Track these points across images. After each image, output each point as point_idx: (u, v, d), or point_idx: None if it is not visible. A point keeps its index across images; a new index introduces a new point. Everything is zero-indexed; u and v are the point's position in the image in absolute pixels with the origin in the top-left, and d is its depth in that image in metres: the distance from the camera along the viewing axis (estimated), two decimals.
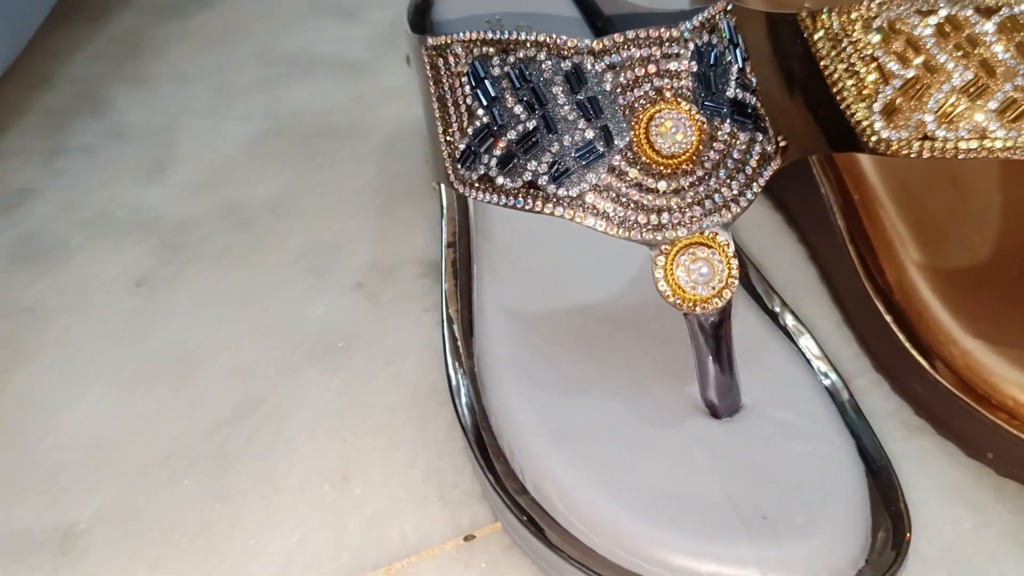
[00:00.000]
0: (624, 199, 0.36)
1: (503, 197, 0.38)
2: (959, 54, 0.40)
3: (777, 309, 0.44)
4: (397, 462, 0.41)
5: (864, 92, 0.42)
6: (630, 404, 0.38)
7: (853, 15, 0.42)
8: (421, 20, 0.54)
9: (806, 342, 0.43)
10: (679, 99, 0.36)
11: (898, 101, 0.41)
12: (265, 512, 0.39)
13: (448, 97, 0.40)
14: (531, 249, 0.44)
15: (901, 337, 0.43)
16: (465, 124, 0.39)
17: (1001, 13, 0.39)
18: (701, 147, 0.36)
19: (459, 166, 0.39)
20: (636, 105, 0.36)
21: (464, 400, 0.40)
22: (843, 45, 0.43)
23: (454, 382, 0.41)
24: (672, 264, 0.36)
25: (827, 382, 0.41)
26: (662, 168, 0.36)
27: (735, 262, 0.36)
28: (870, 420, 0.43)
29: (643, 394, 0.38)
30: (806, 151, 0.48)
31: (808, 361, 0.42)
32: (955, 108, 0.40)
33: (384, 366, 0.45)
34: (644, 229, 0.36)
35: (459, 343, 0.42)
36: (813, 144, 0.46)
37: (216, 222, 0.54)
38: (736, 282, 0.36)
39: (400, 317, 0.48)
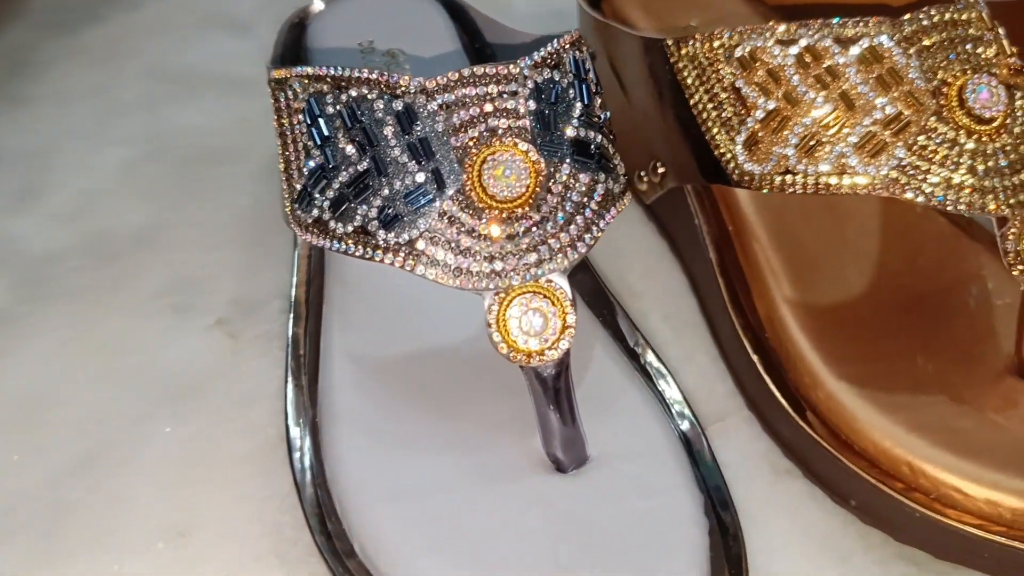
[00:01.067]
0: (456, 246, 0.35)
1: (335, 242, 0.36)
2: (819, 86, 0.39)
3: (639, 349, 0.43)
4: (239, 516, 0.40)
5: (727, 123, 0.41)
6: (471, 459, 0.37)
7: (716, 43, 0.41)
8: (295, 47, 0.53)
9: (666, 384, 0.42)
10: (515, 140, 0.35)
11: (760, 133, 0.40)
12: (92, 574, 0.38)
13: (288, 134, 0.39)
14: (385, 293, 0.43)
15: (767, 379, 0.42)
16: (302, 164, 0.38)
17: (861, 44, 0.38)
18: (537, 190, 0.35)
19: (296, 207, 0.38)
20: (470, 146, 0.35)
21: (303, 454, 0.39)
22: (707, 74, 0.42)
23: (293, 434, 0.39)
24: (505, 314, 0.35)
25: (685, 425, 0.40)
26: (496, 213, 0.35)
27: (571, 312, 0.35)
28: (740, 461, 0.42)
29: (486, 448, 0.37)
30: (682, 180, 0.47)
31: (668, 406, 0.41)
32: (815, 141, 0.39)
33: (238, 412, 0.44)
34: (477, 277, 0.35)
35: (304, 391, 0.41)
36: (688, 173, 0.45)
37: (81, 256, 0.53)
38: (572, 331, 0.35)
39: (260, 359, 0.46)
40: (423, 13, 0.54)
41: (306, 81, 0.38)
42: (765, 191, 0.40)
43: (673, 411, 0.40)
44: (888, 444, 0.38)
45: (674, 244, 0.52)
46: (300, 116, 0.38)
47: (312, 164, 0.37)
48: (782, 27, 0.40)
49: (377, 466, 0.37)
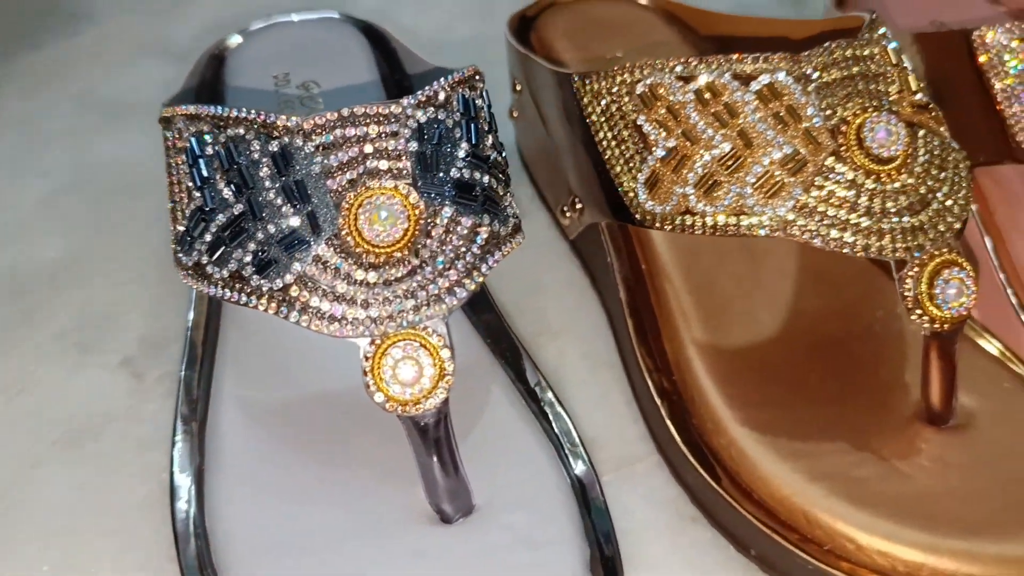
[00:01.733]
0: (331, 292, 0.34)
1: (212, 287, 0.36)
2: (718, 123, 0.38)
3: (539, 391, 0.42)
4: (125, 565, 0.39)
5: (630, 161, 0.41)
6: (353, 511, 0.36)
7: (619, 79, 0.41)
8: (214, 81, 0.52)
9: (565, 428, 0.41)
10: (395, 182, 0.34)
11: (660, 172, 0.39)
12: None
13: (173, 175, 0.38)
14: (279, 338, 0.42)
15: (670, 424, 0.41)
16: (184, 205, 0.37)
17: (760, 81, 0.38)
18: (416, 234, 0.34)
19: (177, 249, 0.37)
20: (347, 189, 0.34)
21: (188, 502, 0.38)
22: (611, 110, 0.41)
23: (178, 481, 0.39)
24: (380, 362, 0.34)
25: (580, 470, 0.39)
26: (373, 258, 0.34)
27: (449, 361, 0.34)
28: (647, 508, 0.41)
29: (369, 499, 0.36)
30: (595, 216, 0.46)
31: (564, 450, 0.40)
32: (713, 181, 0.38)
33: (134, 456, 0.43)
34: (351, 325, 0.34)
35: (193, 437, 0.40)
36: (600, 210, 0.44)
37: None
38: (450, 379, 0.34)
39: (163, 400, 0.46)
40: (343, 43, 0.54)
41: (188, 120, 0.37)
42: (670, 229, 0.40)
43: (569, 456, 0.40)
44: (786, 493, 0.37)
45: (594, 281, 0.51)
46: (183, 156, 0.37)
47: (192, 206, 0.36)
48: (682, 63, 0.39)
49: (258, 517, 0.36)
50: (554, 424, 0.41)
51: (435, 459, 0.35)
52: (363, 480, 0.37)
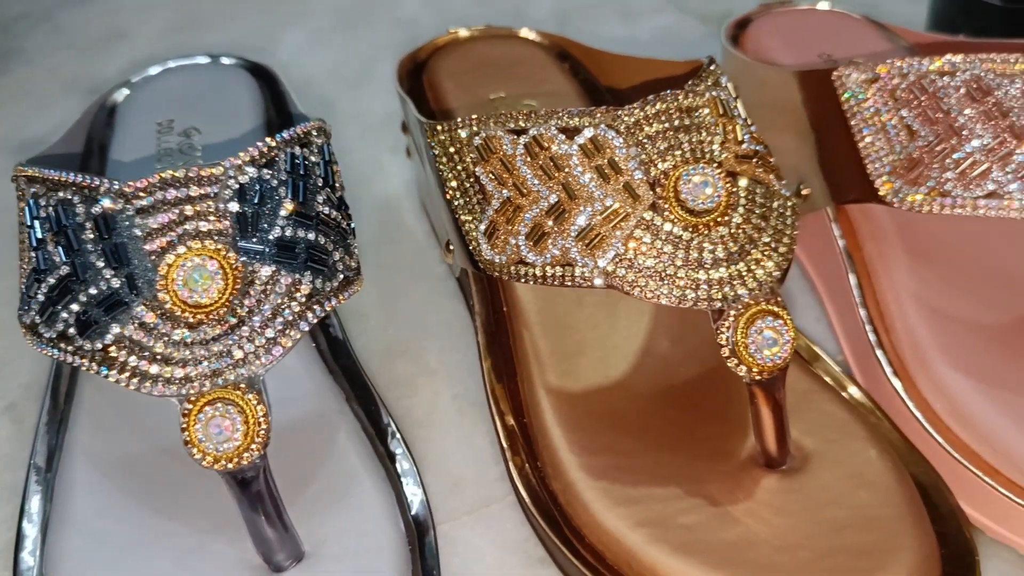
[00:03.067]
0: (148, 352, 0.36)
1: (44, 345, 0.37)
2: (545, 176, 0.39)
3: (389, 435, 0.43)
4: None
5: (472, 210, 0.42)
6: (184, 564, 0.38)
7: (462, 131, 0.42)
8: (104, 129, 0.54)
9: (409, 473, 0.42)
10: (214, 243, 0.36)
11: (497, 222, 0.41)
12: None
13: (20, 234, 0.40)
14: (127, 391, 0.44)
15: (512, 468, 0.42)
16: (25, 265, 0.39)
17: (584, 134, 0.39)
18: (234, 293, 0.36)
19: (19, 308, 0.39)
20: (166, 251, 0.36)
21: (33, 553, 0.40)
22: (455, 161, 0.43)
23: (26, 531, 0.40)
24: (194, 419, 0.35)
25: (419, 511, 0.41)
26: (191, 318, 0.36)
27: (263, 418, 0.35)
28: (496, 549, 0.43)
29: (203, 550, 0.38)
30: (460, 260, 0.47)
31: (405, 496, 0.41)
32: (542, 232, 0.39)
33: (4, 502, 0.45)
34: (166, 383, 0.35)
35: (47, 488, 0.42)
36: (460, 255, 0.45)
37: None
38: (265, 434, 0.35)
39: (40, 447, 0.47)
40: (231, 88, 0.55)
41: (27, 181, 0.39)
42: (507, 278, 0.41)
43: (410, 501, 0.41)
44: (613, 539, 0.38)
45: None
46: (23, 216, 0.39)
47: (28, 268, 0.38)
48: (514, 117, 0.40)
49: (93, 570, 0.38)
50: (399, 469, 0.42)
51: (259, 512, 0.36)
52: (198, 534, 0.39)
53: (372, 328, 0.53)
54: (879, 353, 0.46)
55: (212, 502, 0.39)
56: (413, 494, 0.41)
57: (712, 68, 0.42)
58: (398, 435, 0.43)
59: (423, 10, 0.80)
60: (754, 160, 0.40)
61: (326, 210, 0.39)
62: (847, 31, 0.60)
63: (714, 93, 0.40)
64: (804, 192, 0.51)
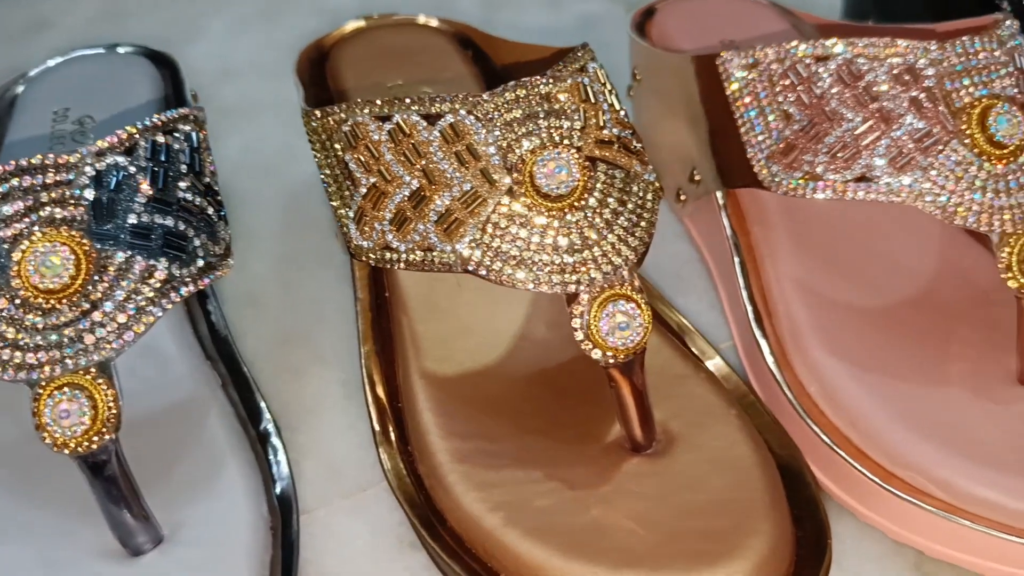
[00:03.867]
0: (1, 337, 0.36)
1: None
2: (408, 162, 0.40)
3: (263, 421, 0.44)
4: None
5: (344, 197, 0.42)
6: (44, 553, 0.38)
7: (332, 118, 0.42)
8: (2, 119, 0.54)
9: (277, 457, 0.43)
10: (68, 229, 0.36)
11: (364, 208, 0.41)
12: None
13: None
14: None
15: (382, 452, 0.43)
16: None
17: (445, 120, 0.39)
18: (87, 278, 0.36)
19: None
20: (20, 238, 0.36)
21: None
22: (327, 148, 0.43)
23: None
24: (44, 404, 0.36)
25: (284, 494, 0.41)
26: (43, 304, 0.36)
27: (113, 403, 0.36)
28: (369, 534, 0.43)
29: (62, 539, 0.38)
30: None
31: (273, 482, 0.42)
32: (404, 217, 0.40)
33: None
34: (19, 369, 0.36)
35: None
36: (340, 242, 0.46)
37: None
38: (114, 422, 0.36)
39: None
40: (130, 77, 0.56)
41: None
42: (377, 264, 0.41)
43: (278, 486, 0.41)
44: (472, 522, 0.39)
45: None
46: None
47: None
48: (379, 103, 0.41)
49: None
50: (270, 454, 0.43)
51: (112, 496, 0.37)
52: (61, 519, 0.39)
53: (269, 315, 0.54)
54: (760, 337, 0.47)
55: (76, 488, 0.40)
56: (281, 479, 0.42)
57: (580, 53, 0.42)
58: (271, 421, 0.44)
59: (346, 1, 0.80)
60: (615, 145, 0.40)
61: (189, 196, 0.40)
62: (752, 17, 0.60)
63: (577, 79, 0.41)
64: (696, 178, 0.52)
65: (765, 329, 0.47)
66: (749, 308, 0.48)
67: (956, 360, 0.44)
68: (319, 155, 0.44)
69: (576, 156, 0.39)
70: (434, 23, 0.59)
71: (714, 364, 0.46)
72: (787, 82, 0.44)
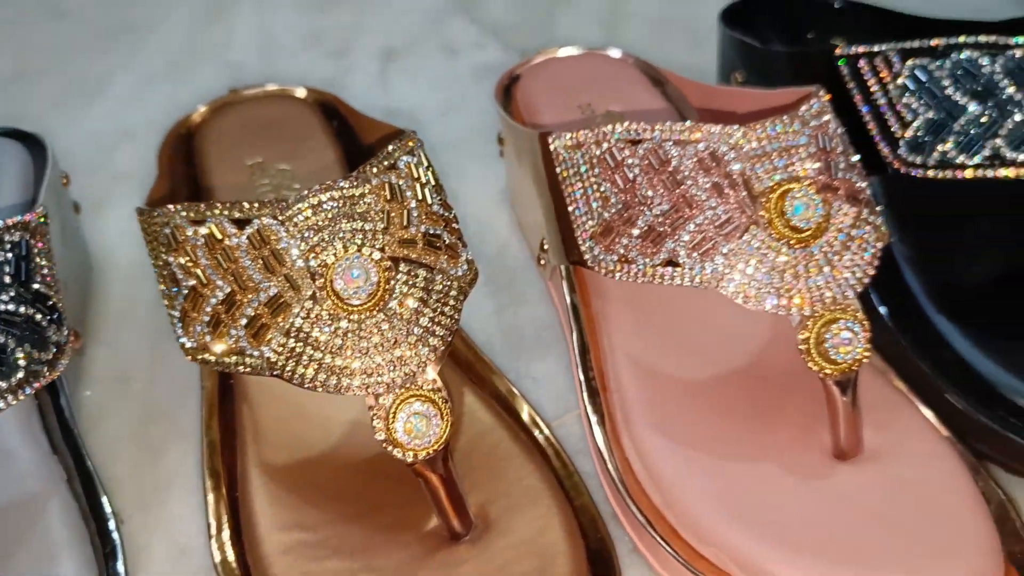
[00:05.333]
0: None
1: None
2: (220, 267, 0.41)
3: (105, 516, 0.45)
4: None
5: (170, 297, 0.44)
6: None
7: (154, 218, 0.44)
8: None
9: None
10: None
11: (187, 310, 0.43)
12: None
13: None
14: None
15: (213, 543, 0.44)
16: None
17: (253, 226, 0.41)
18: None
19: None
20: None
21: None
22: (155, 247, 0.44)
23: None
24: None
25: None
26: None
27: None
28: None
29: None
30: None
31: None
32: (218, 321, 0.41)
33: None
34: None
35: None
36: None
37: None
38: None
39: None
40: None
41: None
42: (204, 365, 0.43)
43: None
44: None
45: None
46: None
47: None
48: (195, 208, 0.42)
49: None
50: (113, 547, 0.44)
51: None
52: None
53: (137, 392, 0.55)
54: (592, 412, 0.48)
55: None
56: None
57: (393, 148, 0.43)
58: (113, 516, 0.45)
59: (252, 55, 0.81)
60: (419, 244, 0.41)
61: (12, 307, 0.41)
62: (615, 79, 0.61)
63: (384, 178, 0.42)
64: (545, 247, 0.53)
65: (601, 403, 0.48)
66: (584, 382, 0.49)
67: (778, 434, 0.45)
68: (150, 254, 0.45)
69: (376, 259, 0.40)
70: (301, 94, 0.60)
71: (544, 437, 0.47)
72: (604, 165, 0.45)
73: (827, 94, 0.46)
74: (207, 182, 0.56)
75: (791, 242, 0.42)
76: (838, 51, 0.53)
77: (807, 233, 0.42)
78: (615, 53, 0.63)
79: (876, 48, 0.52)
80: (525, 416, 0.48)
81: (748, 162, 0.43)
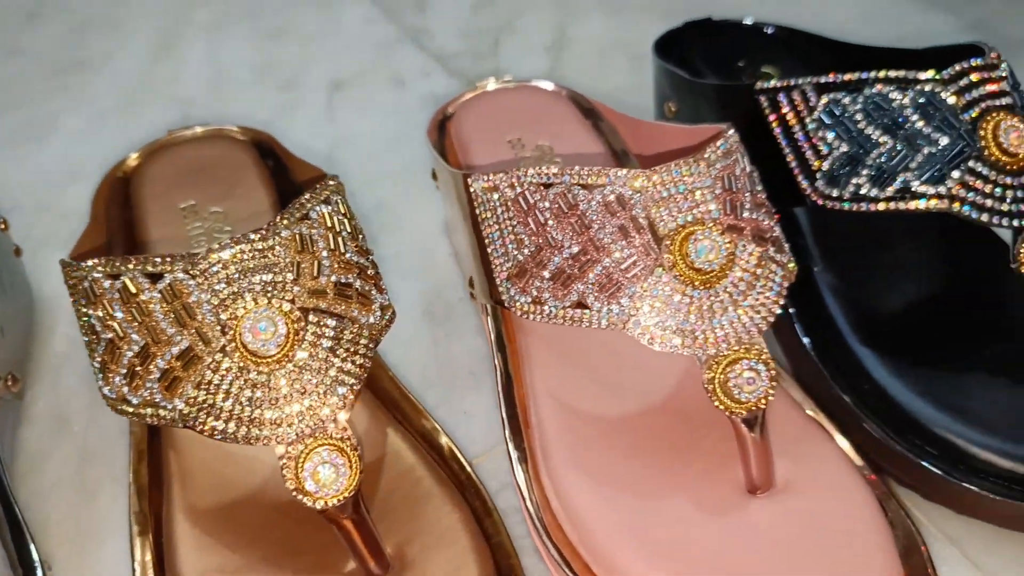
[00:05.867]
0: None
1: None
2: (135, 321, 0.42)
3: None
4: None
5: (91, 348, 0.45)
6: None
7: (74, 273, 0.45)
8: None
9: None
10: None
11: (106, 361, 0.43)
12: None
13: None
14: None
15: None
16: None
17: (165, 279, 0.42)
18: None
19: None
20: None
21: None
22: (76, 298, 0.45)
23: None
24: None
25: None
26: None
27: None
28: None
29: None
30: None
31: None
32: (132, 374, 0.42)
33: None
34: None
35: None
36: None
37: None
38: None
39: None
40: None
41: None
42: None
43: None
44: None
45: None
46: None
47: None
48: (111, 262, 0.43)
49: None
50: None
51: None
52: None
53: (76, 433, 0.56)
54: (513, 450, 0.49)
55: None
56: None
57: (306, 200, 0.44)
58: (38, 565, 0.46)
59: (203, 89, 0.82)
60: (329, 294, 0.42)
61: None
62: (548, 113, 0.62)
63: (295, 229, 0.43)
64: (473, 283, 0.54)
65: (523, 440, 0.49)
66: (507, 420, 0.50)
67: (692, 469, 0.46)
68: (73, 305, 0.46)
69: (285, 311, 0.41)
70: (236, 133, 0.61)
71: (466, 475, 0.48)
72: (518, 208, 0.46)
73: (735, 133, 0.47)
74: (141, 226, 0.57)
75: (695, 283, 0.43)
76: (758, 85, 0.54)
77: (711, 274, 0.43)
78: (547, 86, 0.64)
79: (794, 82, 0.53)
80: (448, 453, 0.49)
81: (653, 205, 0.44)
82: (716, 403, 0.43)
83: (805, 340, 0.54)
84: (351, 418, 0.42)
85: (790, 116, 0.53)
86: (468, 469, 0.49)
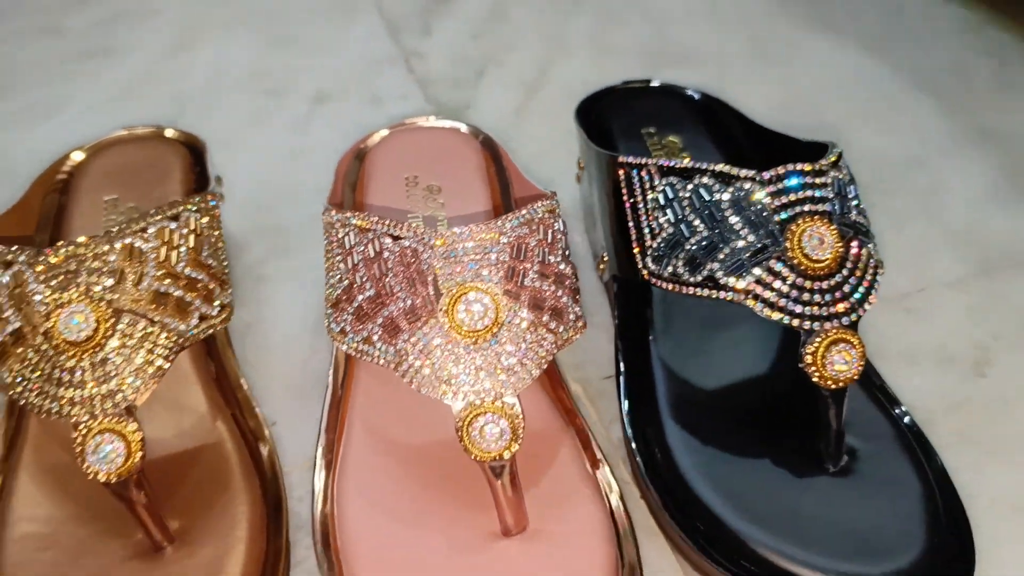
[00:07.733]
0: None
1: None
2: (15, 307, 0.50)
3: None
4: None
5: None
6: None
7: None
8: None
9: None
10: None
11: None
12: None
13: None
14: None
15: None
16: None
17: (12, 269, 0.50)
18: None
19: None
20: None
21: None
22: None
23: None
24: None
25: None
26: None
27: None
28: None
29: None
30: None
31: None
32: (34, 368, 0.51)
33: None
34: None
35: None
36: None
37: None
38: None
39: None
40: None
41: None
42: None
43: None
44: None
45: None
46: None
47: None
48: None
49: None
50: None
51: None
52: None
53: None
54: (320, 455, 0.56)
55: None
56: None
57: (152, 212, 0.52)
58: None
59: (200, 86, 0.91)
60: (144, 300, 0.50)
61: None
62: (450, 152, 0.68)
63: (129, 240, 0.51)
64: None
65: (332, 453, 0.56)
66: (324, 431, 0.57)
67: (459, 508, 0.52)
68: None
69: (98, 308, 0.49)
70: (173, 135, 0.70)
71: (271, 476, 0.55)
72: (342, 247, 0.53)
73: (550, 203, 0.53)
74: (67, 215, 0.66)
75: (463, 339, 0.49)
76: (620, 158, 0.59)
77: (480, 332, 0.49)
78: (463, 128, 0.70)
79: (644, 161, 0.58)
80: (266, 455, 0.57)
81: (441, 262, 0.50)
82: (464, 450, 0.49)
83: (624, 403, 0.58)
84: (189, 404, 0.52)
85: (637, 192, 0.58)
86: (277, 471, 0.56)
